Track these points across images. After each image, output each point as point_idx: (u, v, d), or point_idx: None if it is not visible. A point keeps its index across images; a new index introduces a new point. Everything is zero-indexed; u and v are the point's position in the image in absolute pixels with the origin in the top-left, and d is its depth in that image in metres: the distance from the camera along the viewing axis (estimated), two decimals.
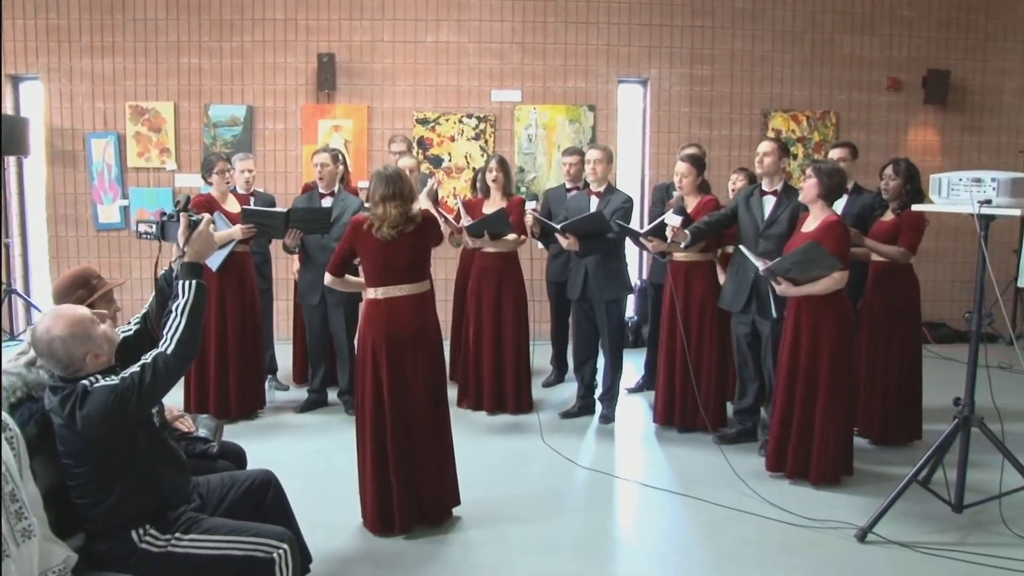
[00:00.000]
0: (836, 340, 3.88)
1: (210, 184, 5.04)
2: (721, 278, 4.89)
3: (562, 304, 5.87)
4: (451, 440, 3.60)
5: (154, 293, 2.58)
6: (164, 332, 2.32)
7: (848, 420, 3.99)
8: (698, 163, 4.75)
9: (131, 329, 2.58)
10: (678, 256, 4.70)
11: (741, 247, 4.28)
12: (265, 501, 2.69)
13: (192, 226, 2.47)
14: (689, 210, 4.70)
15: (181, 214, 2.47)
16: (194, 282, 2.39)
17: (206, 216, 2.52)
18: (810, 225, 4.01)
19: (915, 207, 4.19)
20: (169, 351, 2.28)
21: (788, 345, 4.00)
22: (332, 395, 5.39)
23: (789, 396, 3.99)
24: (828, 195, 3.96)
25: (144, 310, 2.60)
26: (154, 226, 2.54)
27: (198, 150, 7.28)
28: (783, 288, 3.93)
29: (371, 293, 3.48)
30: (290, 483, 2.86)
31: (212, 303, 4.81)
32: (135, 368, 2.25)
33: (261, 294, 5.39)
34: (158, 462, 2.40)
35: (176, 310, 2.33)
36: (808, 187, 3.97)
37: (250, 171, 5.43)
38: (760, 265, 4.01)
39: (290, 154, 7.41)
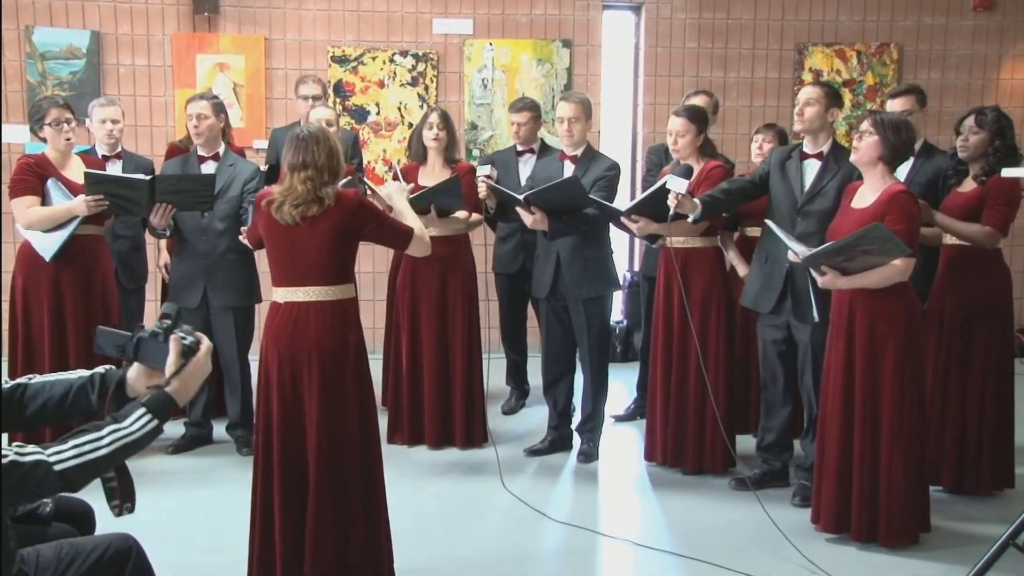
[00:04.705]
0: (902, 348, 3.85)
1: (42, 140, 4.88)
2: (740, 269, 4.89)
3: (516, 302, 5.89)
4: (377, 495, 3.55)
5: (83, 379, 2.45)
6: (69, 442, 2.18)
7: (920, 458, 3.97)
8: (698, 117, 4.75)
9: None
10: (677, 242, 4.67)
11: (770, 223, 4.25)
12: None
13: (186, 353, 2.36)
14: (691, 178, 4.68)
15: (171, 336, 2.36)
16: (155, 424, 2.27)
17: (205, 342, 2.41)
18: (866, 197, 3.98)
19: (1007, 172, 4.19)
20: (57, 468, 2.13)
21: (841, 356, 3.96)
22: (219, 429, 5.31)
23: (845, 427, 3.96)
24: (893, 157, 3.95)
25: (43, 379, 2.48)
26: (124, 342, 2.43)
27: (19, 91, 7.07)
28: (828, 279, 3.91)
29: (274, 294, 3.53)
30: (159, 552, 2.79)
31: (46, 305, 4.71)
32: None
33: (128, 295, 5.30)
34: None
35: (106, 434, 2.20)
36: (866, 147, 3.94)
37: (114, 122, 5.30)
38: (800, 251, 3.96)
39: (156, 101, 7.27)
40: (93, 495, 3.18)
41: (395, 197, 3.80)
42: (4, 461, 2.08)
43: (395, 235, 3.59)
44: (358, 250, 3.57)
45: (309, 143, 3.40)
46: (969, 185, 4.51)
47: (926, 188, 4.69)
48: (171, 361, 2.35)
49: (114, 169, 5.22)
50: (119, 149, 5.37)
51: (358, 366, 3.48)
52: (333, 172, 3.42)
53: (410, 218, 3.68)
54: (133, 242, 5.42)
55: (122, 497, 2.30)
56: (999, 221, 4.37)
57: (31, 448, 2.12)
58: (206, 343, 2.42)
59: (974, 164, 4.49)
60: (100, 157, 5.23)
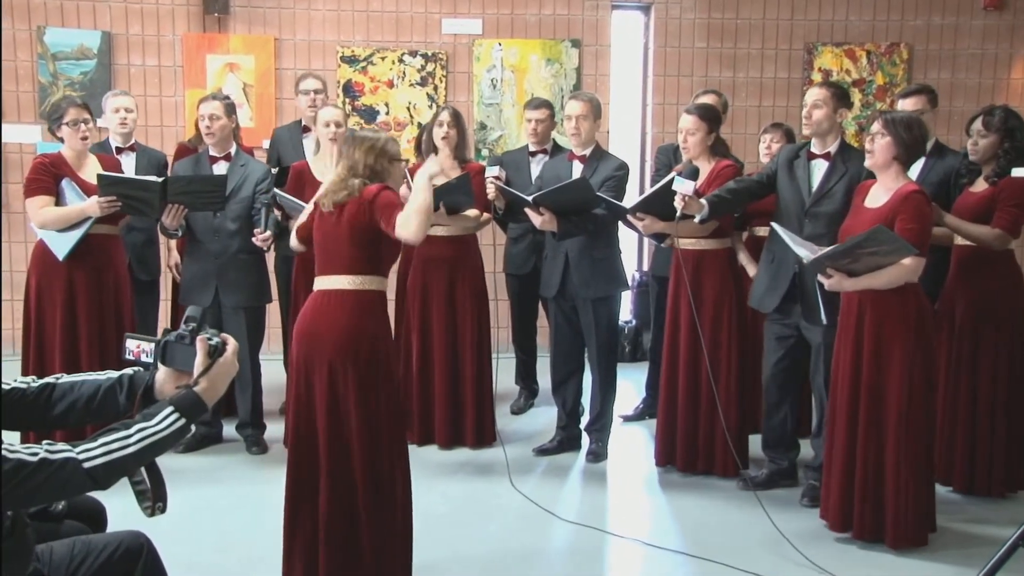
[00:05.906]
0: (910, 349, 3.84)
1: (59, 140, 4.90)
2: (751, 269, 4.89)
3: (526, 304, 5.91)
4: (393, 499, 3.48)
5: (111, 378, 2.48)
6: (98, 440, 2.19)
7: (928, 460, 3.97)
8: (709, 116, 4.74)
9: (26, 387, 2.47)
10: (685, 243, 4.68)
11: (775, 226, 4.25)
12: (133, 575, 2.59)
13: (213, 353, 2.40)
14: (701, 178, 4.68)
15: (198, 338, 2.40)
16: (183, 422, 2.29)
17: (231, 342, 2.45)
18: (878, 198, 3.97)
19: (1016, 172, 4.18)
20: (87, 465, 2.14)
21: (849, 357, 3.96)
22: (229, 428, 5.33)
23: (851, 427, 3.96)
24: (907, 156, 3.94)
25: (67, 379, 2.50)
26: (151, 347, 2.46)
27: (30, 92, 7.10)
28: (834, 281, 3.90)
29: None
30: (169, 550, 2.78)
31: (59, 303, 4.74)
32: (25, 454, 2.13)
33: (143, 288, 5.32)
34: None
35: (134, 431, 2.22)
36: (880, 148, 3.93)
37: (128, 111, 5.33)
38: (804, 254, 3.96)
39: (167, 102, 7.29)
40: (104, 493, 3.21)
41: (417, 178, 3.55)
42: (35, 459, 2.10)
43: (391, 224, 3.40)
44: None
45: (355, 139, 3.56)
46: (981, 185, 4.50)
47: (937, 188, 4.67)
48: (199, 361, 2.38)
49: (127, 161, 5.24)
50: (132, 141, 5.39)
51: (372, 358, 3.43)
52: (370, 168, 3.49)
53: (414, 197, 3.42)
54: (147, 235, 5.43)
55: (154, 498, 2.31)
56: (1009, 223, 4.35)
57: (61, 446, 2.14)
58: (232, 343, 2.46)
59: (985, 166, 4.49)
60: (114, 149, 5.25)
